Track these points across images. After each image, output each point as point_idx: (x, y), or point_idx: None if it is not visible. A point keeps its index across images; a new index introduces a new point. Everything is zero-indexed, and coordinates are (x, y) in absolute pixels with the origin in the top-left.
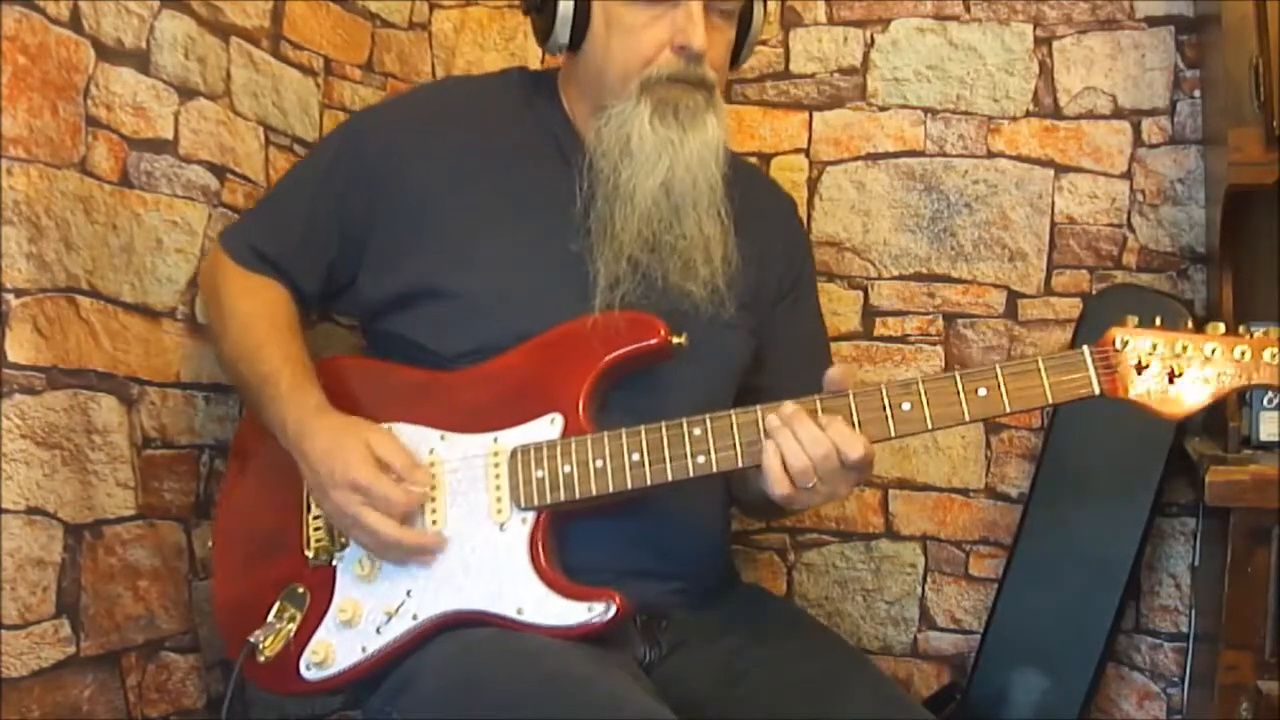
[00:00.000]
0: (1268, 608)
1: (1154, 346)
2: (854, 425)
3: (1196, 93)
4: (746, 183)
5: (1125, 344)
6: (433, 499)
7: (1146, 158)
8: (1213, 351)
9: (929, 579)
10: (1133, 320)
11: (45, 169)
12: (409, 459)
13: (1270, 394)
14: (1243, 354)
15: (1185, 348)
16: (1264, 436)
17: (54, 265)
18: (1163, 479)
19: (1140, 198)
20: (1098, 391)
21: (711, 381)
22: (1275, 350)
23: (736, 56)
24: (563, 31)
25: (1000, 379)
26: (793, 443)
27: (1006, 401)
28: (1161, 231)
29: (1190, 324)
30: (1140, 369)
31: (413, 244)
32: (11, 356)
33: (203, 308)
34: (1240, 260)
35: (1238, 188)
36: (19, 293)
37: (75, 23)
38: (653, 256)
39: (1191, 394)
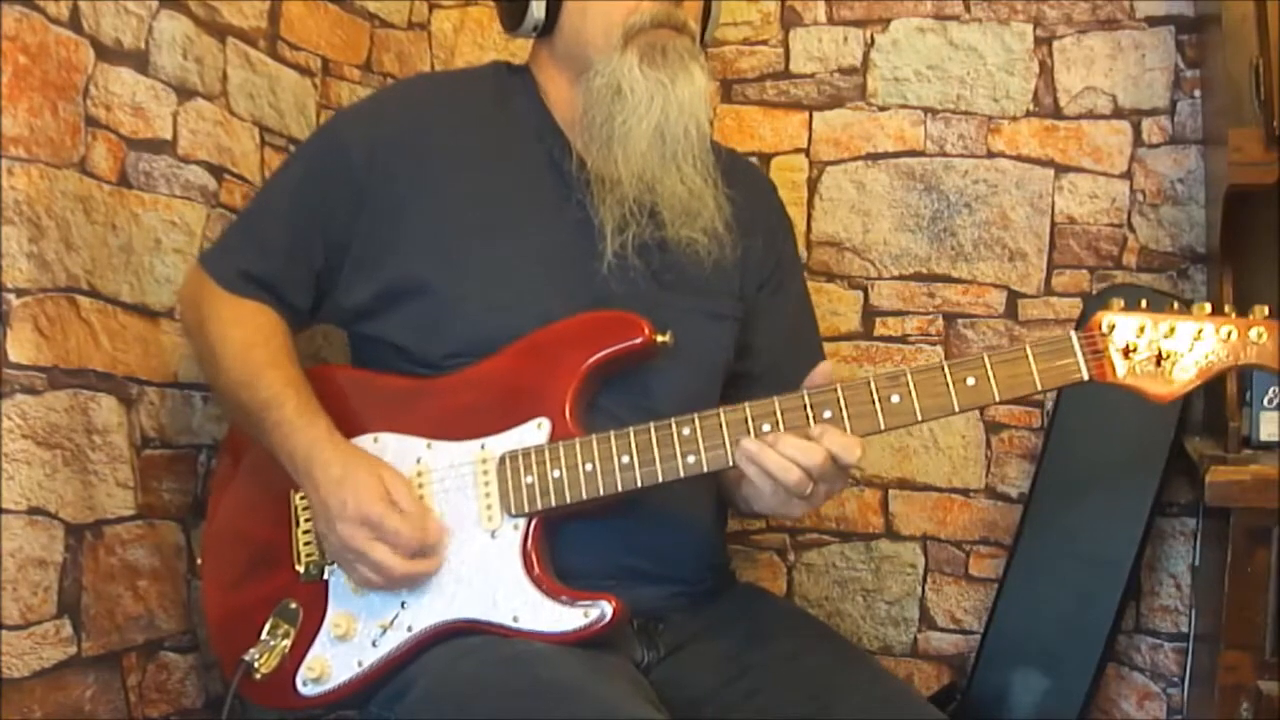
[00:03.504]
0: (1268, 608)
1: (1141, 329)
2: (843, 419)
3: (1196, 93)
4: (727, 165)
5: (1112, 328)
6: None
7: (1146, 158)
8: (1199, 332)
9: (929, 579)
10: (1118, 303)
11: (46, 169)
12: (420, 503)
13: (1270, 394)
14: (1229, 334)
15: (1172, 329)
16: (1264, 436)
17: (54, 265)
18: (1163, 479)
19: (1140, 198)
20: (1086, 376)
21: (699, 376)
22: (1261, 330)
23: (703, 34)
24: (538, 7)
25: (988, 368)
26: (777, 458)
27: (996, 390)
28: (1161, 231)
29: (1176, 306)
30: (1128, 352)
31: (394, 245)
32: (13, 356)
33: (188, 336)
34: (1240, 260)
35: (1238, 188)
36: (20, 292)
37: (75, 23)
38: (656, 197)
39: (1180, 375)
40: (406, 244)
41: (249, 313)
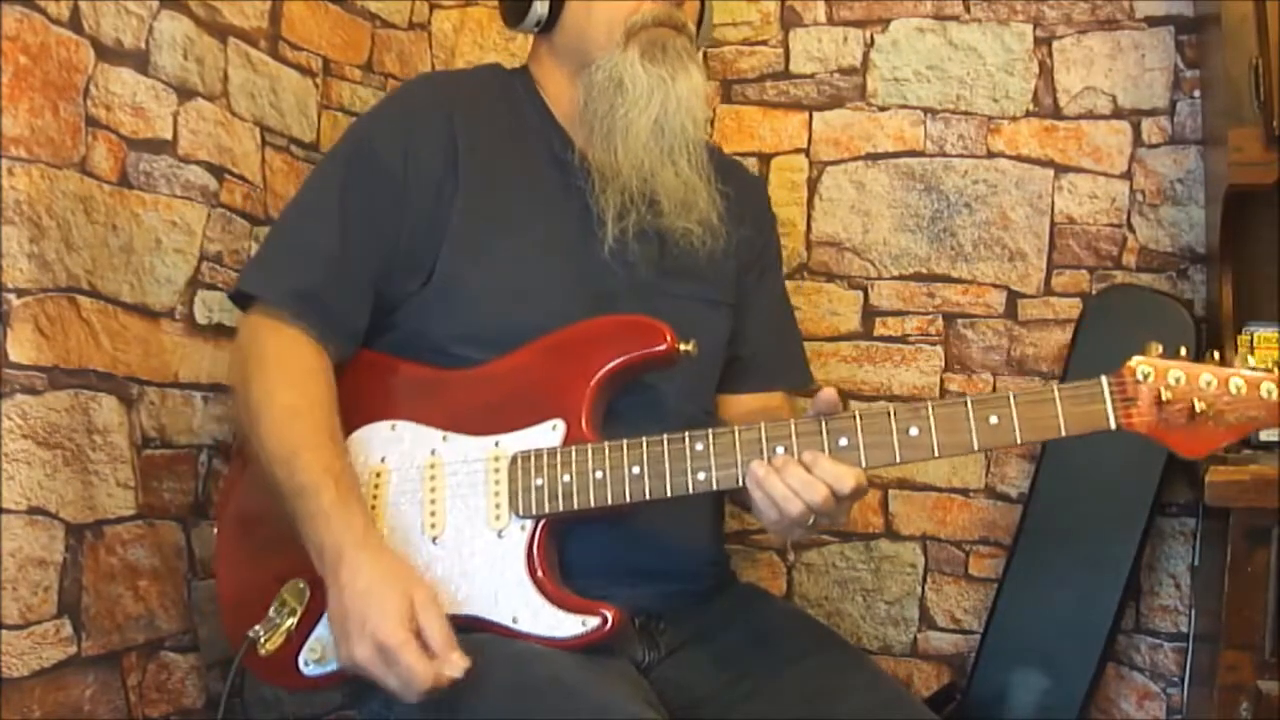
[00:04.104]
0: (1268, 608)
1: (1177, 380)
2: (859, 448)
3: (1196, 93)
4: (719, 163)
5: (1146, 376)
6: (432, 501)
7: (1146, 158)
8: (1238, 389)
9: (929, 579)
10: (1156, 349)
11: (46, 169)
12: (448, 637)
13: None
14: (1270, 392)
15: (1210, 383)
16: (1264, 436)
17: (55, 265)
18: (1163, 479)
19: (1140, 198)
20: (1114, 426)
21: (699, 362)
22: None
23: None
24: (541, 4)
25: (1013, 407)
26: (782, 488)
27: (1018, 432)
28: (1161, 231)
29: (1216, 356)
30: (1160, 403)
31: (430, 242)
32: (13, 356)
33: (232, 390)
34: (1240, 260)
35: (1238, 188)
36: (20, 292)
37: (75, 23)
38: (653, 188)
39: (1212, 432)
40: (437, 239)
41: (297, 359)
